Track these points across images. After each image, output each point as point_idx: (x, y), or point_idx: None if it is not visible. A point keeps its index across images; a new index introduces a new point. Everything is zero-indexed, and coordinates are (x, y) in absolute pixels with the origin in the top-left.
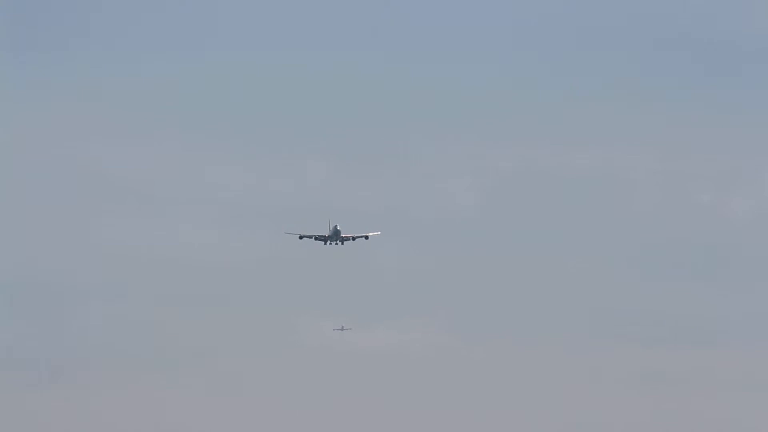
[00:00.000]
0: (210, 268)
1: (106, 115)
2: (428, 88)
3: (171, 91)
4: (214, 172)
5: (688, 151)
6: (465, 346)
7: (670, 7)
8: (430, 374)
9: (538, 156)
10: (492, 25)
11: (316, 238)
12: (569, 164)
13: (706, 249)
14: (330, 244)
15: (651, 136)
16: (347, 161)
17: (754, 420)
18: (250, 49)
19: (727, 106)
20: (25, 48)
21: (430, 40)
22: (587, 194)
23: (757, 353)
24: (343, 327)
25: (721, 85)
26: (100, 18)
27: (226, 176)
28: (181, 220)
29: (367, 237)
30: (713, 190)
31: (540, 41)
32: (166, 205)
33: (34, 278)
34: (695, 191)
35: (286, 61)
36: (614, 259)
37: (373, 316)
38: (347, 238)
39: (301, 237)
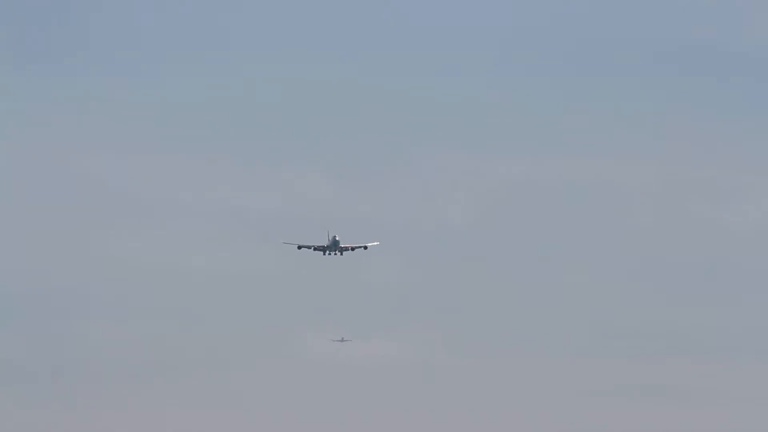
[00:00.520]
0: (208, 278)
1: (106, 126)
2: (427, 101)
3: (172, 104)
4: (214, 183)
5: (687, 164)
6: (464, 358)
7: (669, 18)
8: (431, 386)
9: (537, 169)
10: (491, 38)
11: (314, 249)
12: (568, 177)
13: (706, 262)
14: (329, 254)
15: (650, 148)
16: (346, 173)
17: None
18: (249, 62)
19: (727, 118)
20: (26, 59)
21: (430, 53)
22: (586, 207)
23: (756, 366)
24: (342, 338)
25: (722, 97)
26: (101, 30)
27: (225, 188)
28: (181, 231)
29: (366, 247)
30: (713, 202)
31: (538, 54)
32: (166, 217)
33: (32, 289)
34: (695, 203)
35: (286, 73)
36: (613, 272)
37: (373, 327)
38: (346, 249)
39: (299, 247)
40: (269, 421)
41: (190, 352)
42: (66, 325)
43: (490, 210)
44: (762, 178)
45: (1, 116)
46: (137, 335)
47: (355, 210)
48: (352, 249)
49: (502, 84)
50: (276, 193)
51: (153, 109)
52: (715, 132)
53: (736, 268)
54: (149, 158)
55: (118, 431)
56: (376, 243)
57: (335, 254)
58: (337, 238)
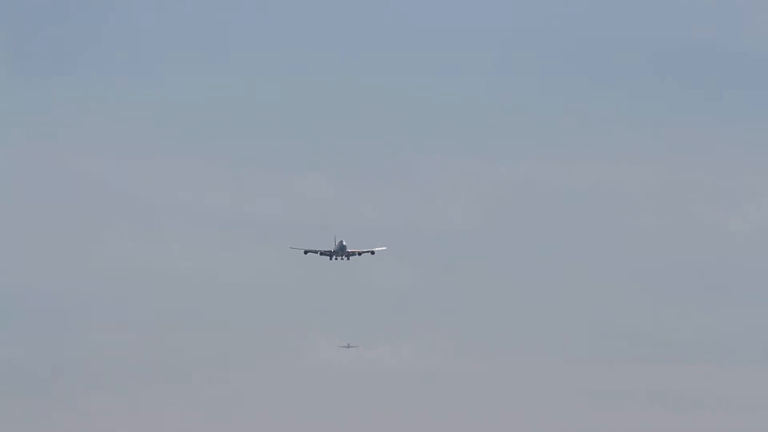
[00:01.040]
0: (214, 284)
1: (106, 128)
2: (428, 102)
3: (172, 105)
4: (216, 188)
5: (688, 166)
6: (470, 361)
7: (670, 21)
8: (438, 390)
9: (538, 170)
10: (491, 41)
11: (321, 253)
12: (570, 180)
13: (709, 265)
14: (335, 259)
15: (651, 150)
16: (346, 174)
17: None
18: (250, 65)
19: (728, 121)
20: (26, 60)
21: (431, 57)
22: (587, 209)
23: (760, 371)
24: (349, 344)
25: (723, 100)
26: (100, 35)
27: (228, 192)
28: (184, 236)
29: (373, 252)
30: (715, 205)
31: (539, 57)
32: (169, 223)
33: (33, 291)
34: (697, 207)
35: (288, 77)
36: (614, 274)
37: (379, 331)
38: (353, 253)
39: (306, 252)
40: (275, 427)
41: (195, 357)
42: (77, 327)
43: (491, 212)
44: (762, 179)
45: (1, 117)
46: (138, 337)
47: (356, 212)
48: (359, 254)
49: (503, 86)
50: (276, 194)
51: (153, 110)
52: (715, 134)
53: (737, 270)
54: (149, 160)
55: None
56: (383, 248)
57: (342, 259)
58: (344, 243)
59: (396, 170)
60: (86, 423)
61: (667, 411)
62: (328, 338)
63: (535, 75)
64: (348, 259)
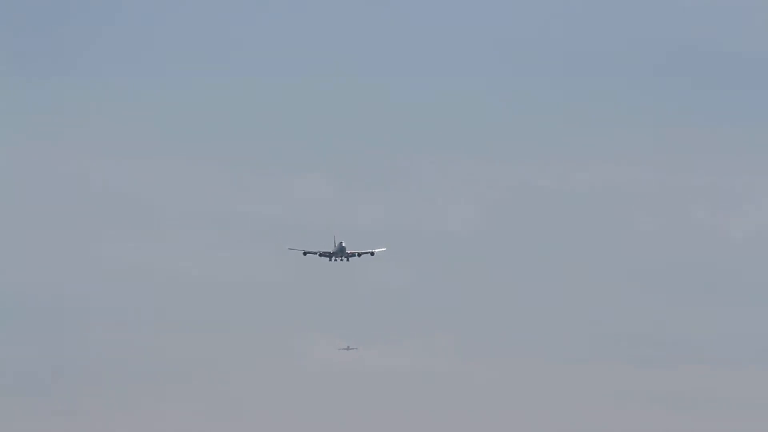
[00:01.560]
0: (214, 284)
1: (106, 130)
2: (428, 102)
3: (172, 105)
4: (217, 190)
5: (688, 168)
6: (469, 365)
7: (670, 21)
8: (438, 392)
9: (538, 173)
10: (491, 42)
11: (320, 255)
12: (570, 184)
13: (709, 266)
14: (335, 260)
15: (651, 152)
16: (350, 178)
17: None
18: (250, 65)
19: (727, 124)
20: (27, 63)
21: (431, 57)
22: (588, 214)
23: (760, 371)
24: (348, 347)
25: (722, 104)
26: (100, 35)
27: (228, 194)
28: (184, 237)
29: (372, 253)
30: (713, 209)
31: (540, 58)
32: (169, 224)
33: (33, 293)
34: (695, 210)
35: (288, 77)
36: (615, 276)
37: (378, 332)
38: (353, 255)
39: (305, 253)
40: (275, 427)
41: (194, 357)
42: (77, 327)
43: (491, 212)
44: (762, 180)
45: (1, 117)
46: (138, 338)
47: (356, 213)
48: (359, 255)
49: (503, 88)
50: (276, 194)
51: (153, 110)
52: (715, 136)
53: (736, 271)
54: (149, 160)
55: None
56: (382, 249)
57: (341, 260)
58: (343, 244)
59: (396, 171)
60: (86, 423)
61: (667, 411)
62: (327, 339)
63: (535, 76)
64: (347, 260)
